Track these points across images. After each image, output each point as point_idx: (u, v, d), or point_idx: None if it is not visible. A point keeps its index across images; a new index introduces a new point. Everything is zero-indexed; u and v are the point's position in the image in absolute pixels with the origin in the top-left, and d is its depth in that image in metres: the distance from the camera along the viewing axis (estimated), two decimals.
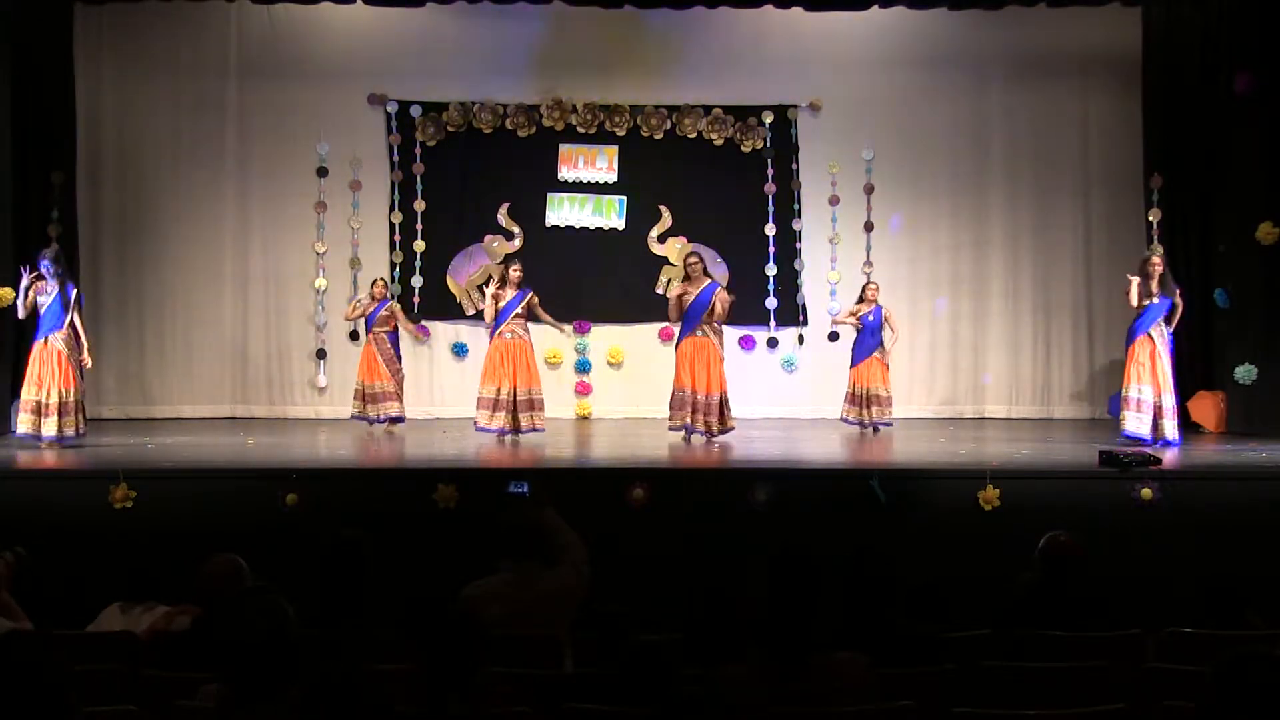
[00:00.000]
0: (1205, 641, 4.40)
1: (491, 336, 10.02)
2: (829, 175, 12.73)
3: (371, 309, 10.84)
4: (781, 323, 12.70)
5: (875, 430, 10.68)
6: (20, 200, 10.67)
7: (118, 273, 12.18)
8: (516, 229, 12.56)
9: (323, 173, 12.50)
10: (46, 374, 8.97)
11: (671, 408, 9.67)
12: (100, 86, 12.04)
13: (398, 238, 12.55)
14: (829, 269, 12.77)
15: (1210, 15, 11.32)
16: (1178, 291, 9.59)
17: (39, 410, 8.94)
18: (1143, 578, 6.70)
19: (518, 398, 9.82)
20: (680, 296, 9.65)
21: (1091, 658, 4.16)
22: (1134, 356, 9.61)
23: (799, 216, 12.72)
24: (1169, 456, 8.63)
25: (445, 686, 3.32)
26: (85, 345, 9.22)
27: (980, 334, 12.75)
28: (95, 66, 11.96)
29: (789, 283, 12.71)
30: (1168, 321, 9.56)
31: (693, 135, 12.63)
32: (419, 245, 12.55)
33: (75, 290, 9.18)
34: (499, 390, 9.81)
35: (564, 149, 12.60)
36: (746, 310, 12.12)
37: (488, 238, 12.57)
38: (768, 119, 12.66)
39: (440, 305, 12.56)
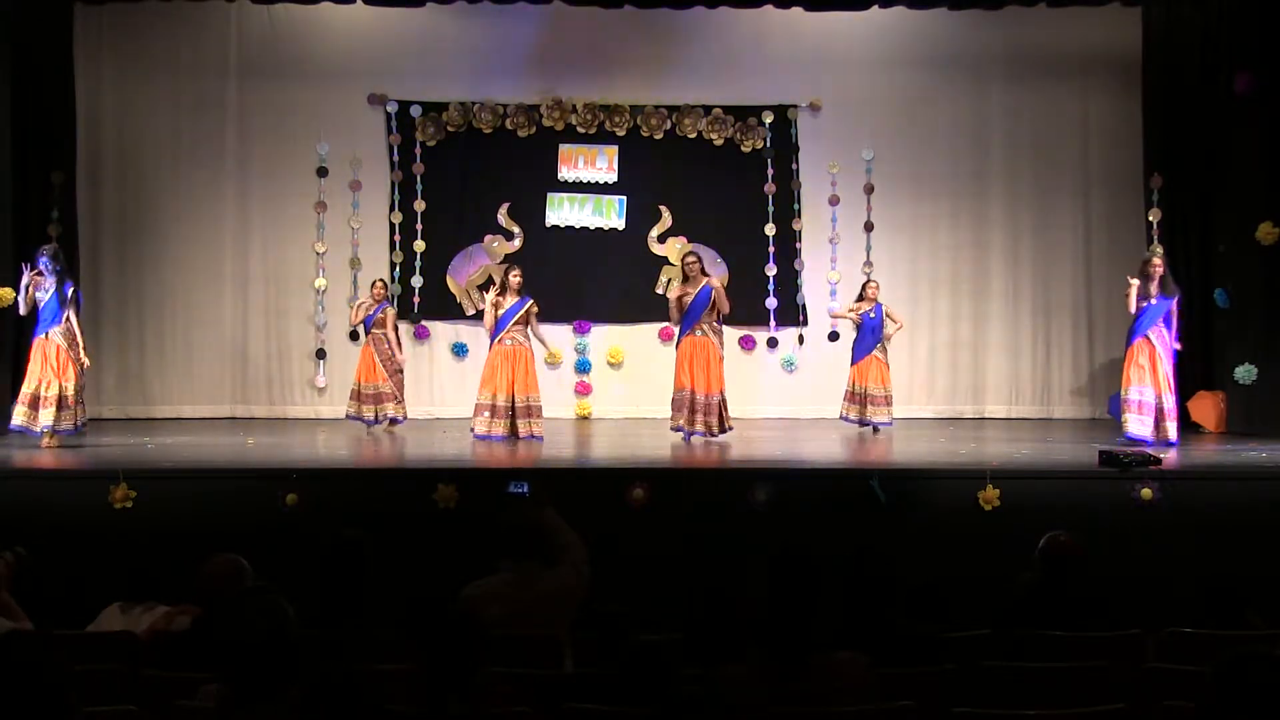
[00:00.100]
0: (1205, 641, 4.40)
1: (491, 343, 10.05)
2: (829, 175, 12.74)
3: (371, 310, 10.87)
4: (781, 323, 12.70)
5: (875, 430, 10.69)
6: (20, 200, 10.68)
7: (118, 273, 12.18)
8: (516, 229, 12.57)
9: (323, 173, 12.50)
10: (46, 368, 8.97)
11: (673, 408, 9.75)
12: (100, 86, 12.04)
13: (398, 238, 12.55)
14: (829, 269, 12.77)
15: (1210, 15, 11.32)
16: (1175, 298, 9.59)
17: (35, 404, 8.92)
18: (1143, 578, 6.70)
19: (516, 404, 9.83)
20: (680, 298, 9.73)
21: (1091, 658, 4.16)
22: (1133, 358, 9.62)
23: (799, 216, 12.72)
24: (1169, 456, 8.63)
25: (445, 686, 3.32)
26: (81, 345, 9.18)
27: (980, 334, 12.75)
28: (95, 66, 11.96)
29: (789, 283, 12.72)
30: (1167, 325, 9.57)
31: (693, 135, 12.63)
32: (419, 245, 12.55)
33: (72, 289, 9.16)
34: (496, 397, 9.82)
35: (564, 149, 12.60)
36: (746, 310, 12.12)
37: (488, 238, 12.58)
38: (768, 119, 12.66)
39: (440, 305, 12.56)
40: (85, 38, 11.75)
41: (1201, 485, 7.78)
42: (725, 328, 10.02)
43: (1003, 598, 5.02)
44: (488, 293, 10.39)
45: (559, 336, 12.35)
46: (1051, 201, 12.67)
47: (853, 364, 10.89)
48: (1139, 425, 9.42)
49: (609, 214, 12.64)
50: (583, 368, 12.61)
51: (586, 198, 12.64)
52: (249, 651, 3.16)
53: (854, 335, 11.04)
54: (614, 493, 7.40)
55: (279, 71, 12.30)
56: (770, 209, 12.69)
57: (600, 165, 12.61)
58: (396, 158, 12.55)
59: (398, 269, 12.51)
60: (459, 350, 12.53)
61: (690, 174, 12.61)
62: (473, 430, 9.88)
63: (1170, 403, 9.49)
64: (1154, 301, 9.56)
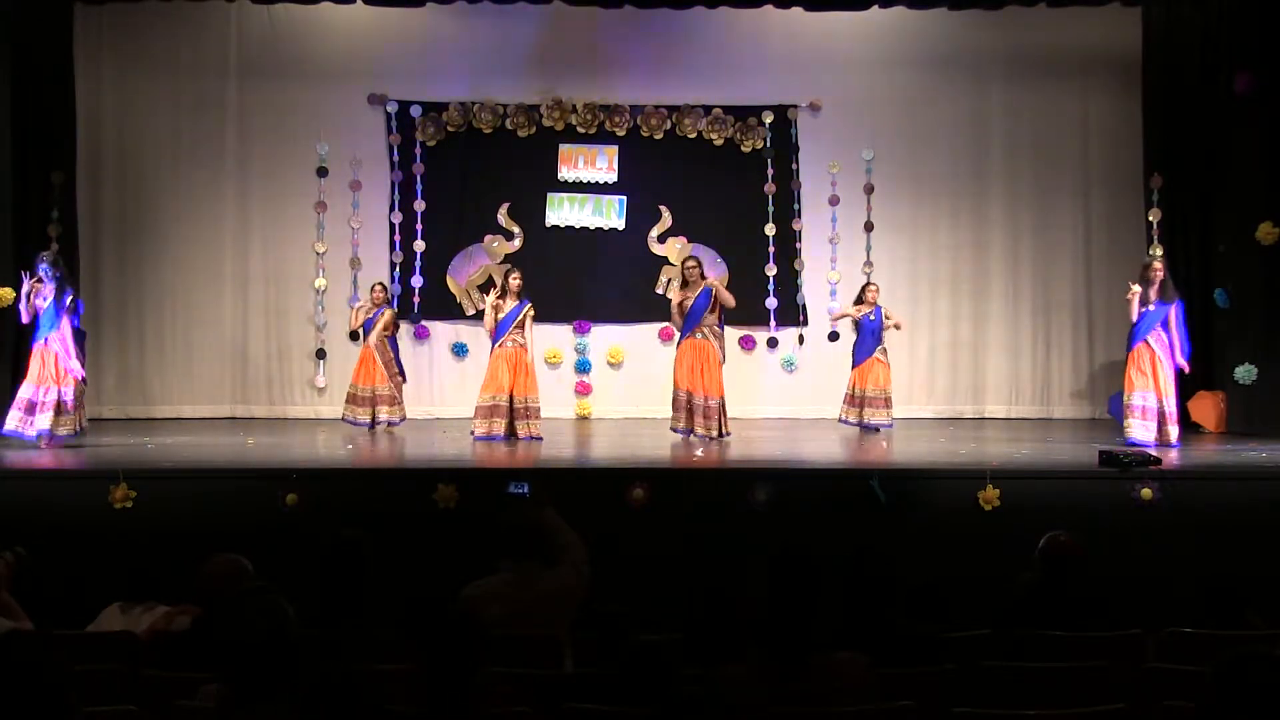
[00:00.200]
0: (1205, 641, 4.40)
1: (493, 346, 10.06)
2: (829, 175, 12.74)
3: (370, 314, 10.87)
4: (781, 323, 12.70)
5: (875, 430, 10.68)
6: (20, 200, 10.68)
7: (118, 273, 12.18)
8: (516, 229, 12.56)
9: (323, 173, 12.50)
10: (45, 373, 8.96)
11: (673, 408, 9.82)
12: (100, 86, 12.04)
13: (398, 238, 12.55)
14: (829, 269, 12.77)
15: (1210, 15, 11.32)
16: (1174, 304, 9.59)
17: (31, 408, 8.91)
18: (1143, 578, 6.70)
19: (514, 405, 9.88)
20: (680, 303, 9.81)
21: (1091, 658, 4.16)
22: (1134, 363, 9.61)
23: (799, 216, 12.72)
24: (1169, 457, 8.63)
25: (445, 686, 3.31)
26: (72, 353, 9.02)
27: (980, 334, 12.75)
28: (95, 66, 11.95)
29: (789, 283, 12.71)
30: (1165, 329, 9.56)
31: (693, 135, 12.62)
32: (419, 245, 12.54)
33: (71, 297, 9.10)
34: (495, 398, 9.87)
35: (564, 149, 12.60)
36: (746, 310, 12.10)
37: (488, 238, 12.57)
38: (768, 119, 12.66)
39: (440, 305, 12.56)
40: (85, 38, 11.74)
41: (1201, 485, 7.78)
42: (725, 328, 10.04)
43: (1003, 598, 5.02)
44: (488, 294, 10.40)
45: (559, 336, 12.35)
46: (1051, 201, 12.67)
47: (854, 367, 10.86)
48: (1143, 431, 9.40)
49: (609, 214, 12.64)
50: (583, 368, 12.60)
51: (586, 198, 12.63)
52: (249, 651, 3.16)
53: (854, 338, 11.02)
54: (614, 493, 7.40)
55: (279, 71, 12.30)
56: (770, 209, 12.69)
57: (600, 165, 12.61)
58: (396, 158, 12.55)
59: (398, 269, 12.51)
60: (459, 350, 12.52)
61: (690, 174, 12.60)
62: (473, 433, 9.90)
63: (1172, 406, 9.49)
64: (1153, 307, 9.57)
